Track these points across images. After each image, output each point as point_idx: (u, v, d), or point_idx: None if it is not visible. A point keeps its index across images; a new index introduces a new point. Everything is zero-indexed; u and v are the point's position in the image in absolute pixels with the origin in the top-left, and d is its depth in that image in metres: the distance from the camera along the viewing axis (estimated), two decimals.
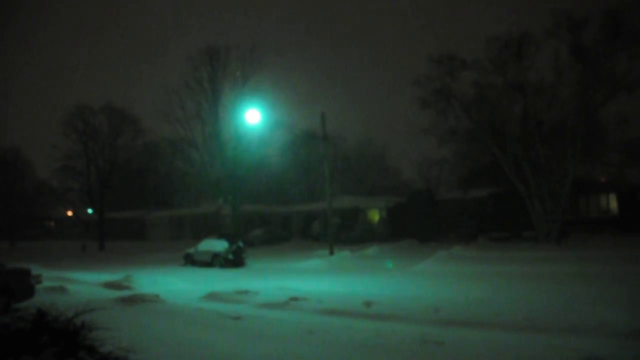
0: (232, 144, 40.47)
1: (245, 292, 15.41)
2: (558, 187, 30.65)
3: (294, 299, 13.88)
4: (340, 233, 39.14)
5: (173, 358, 7.67)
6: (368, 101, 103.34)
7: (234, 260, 28.05)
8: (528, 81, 31.41)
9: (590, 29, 29.54)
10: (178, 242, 46.29)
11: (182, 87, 40.10)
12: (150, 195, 58.86)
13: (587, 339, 8.83)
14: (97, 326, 5.34)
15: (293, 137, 52.30)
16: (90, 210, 52.42)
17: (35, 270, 20.30)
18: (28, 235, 58.26)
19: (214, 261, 28.45)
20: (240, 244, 29.18)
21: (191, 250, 30.36)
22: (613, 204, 34.44)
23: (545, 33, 29.43)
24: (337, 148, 59.82)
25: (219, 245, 29.01)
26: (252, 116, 34.11)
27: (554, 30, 29.14)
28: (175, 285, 19.37)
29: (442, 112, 33.21)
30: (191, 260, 29.78)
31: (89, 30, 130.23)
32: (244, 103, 38.00)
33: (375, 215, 44.16)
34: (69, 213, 63.11)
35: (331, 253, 29.66)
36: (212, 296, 15.31)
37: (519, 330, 9.78)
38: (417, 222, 37.41)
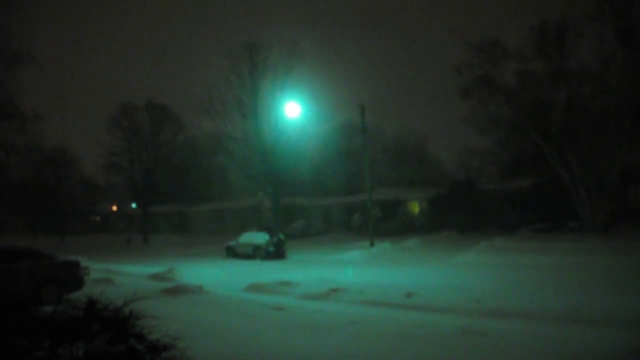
0: (272, 137, 40.68)
1: (287, 283, 15.55)
2: (604, 176, 29.75)
3: (335, 290, 13.94)
4: (380, 225, 39.01)
5: (217, 346, 7.82)
6: (408, 91, 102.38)
7: (275, 253, 28.30)
8: (571, 68, 30.55)
9: (635, 12, 28.49)
10: (219, 235, 46.93)
11: (223, 81, 40.54)
12: (192, 189, 59.79)
13: (638, 332, 8.58)
14: (145, 315, 5.50)
15: (332, 129, 52.24)
16: (134, 205, 53.68)
17: (83, 263, 21.04)
18: (75, 230, 60.02)
19: (255, 253, 28.79)
20: (281, 236, 29.42)
21: (233, 243, 30.81)
22: None
23: (589, 17, 28.51)
24: (376, 139, 59.48)
25: (260, 237, 29.35)
26: (292, 109, 34.20)
27: (598, 15, 28.21)
28: (218, 276, 19.69)
29: (483, 100, 32.64)
30: (233, 253, 30.24)
31: (130, 29, 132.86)
32: (284, 96, 38.07)
33: (415, 207, 43.85)
34: (114, 208, 64.75)
35: (371, 245, 29.59)
36: (253, 287, 15.51)
37: (565, 322, 9.56)
38: (457, 213, 36.92)
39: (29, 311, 5.48)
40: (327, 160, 56.63)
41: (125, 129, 49.54)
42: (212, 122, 40.80)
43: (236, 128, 41.27)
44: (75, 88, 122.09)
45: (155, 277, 19.37)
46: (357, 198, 45.58)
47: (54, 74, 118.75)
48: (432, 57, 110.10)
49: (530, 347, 7.91)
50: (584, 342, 8.10)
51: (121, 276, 19.86)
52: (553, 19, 30.42)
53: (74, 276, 14.18)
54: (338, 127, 53.64)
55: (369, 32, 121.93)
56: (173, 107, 51.14)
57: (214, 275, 20.05)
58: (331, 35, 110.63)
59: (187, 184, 59.05)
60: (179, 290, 13.25)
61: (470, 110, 33.19)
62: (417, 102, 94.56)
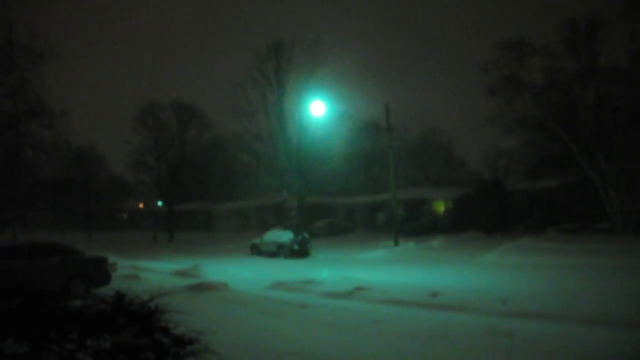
0: (296, 136, 40.77)
1: (310, 281, 15.58)
2: (635, 175, 29.12)
3: (359, 288, 13.92)
4: (404, 224, 38.80)
5: (241, 342, 7.87)
6: (434, 91, 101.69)
7: (299, 251, 28.35)
8: (601, 66, 29.98)
9: None
10: (244, 233, 47.26)
11: (248, 80, 40.70)
12: (217, 187, 60.28)
13: None
14: (170, 310, 5.57)
15: (357, 128, 52.08)
16: (160, 203, 54.25)
17: (110, 259, 21.38)
18: (103, 227, 60.99)
19: (280, 251, 28.88)
20: (305, 234, 29.48)
21: (257, 241, 30.95)
22: None
23: (618, 14, 27.94)
24: (401, 139, 59.15)
25: (284, 236, 29.43)
26: (317, 108, 34.23)
27: (627, 12, 27.62)
28: (242, 274, 19.82)
29: (509, 100, 32.25)
30: (257, 251, 30.37)
31: (155, 28, 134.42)
32: (308, 95, 38.07)
33: (440, 207, 43.51)
34: (141, 205, 65.57)
35: (396, 244, 29.44)
36: (277, 285, 15.57)
37: (593, 324, 9.39)
38: (483, 214, 36.48)
39: (59, 304, 5.59)
40: (352, 159, 56.46)
41: (151, 128, 50.12)
42: (238, 120, 41.05)
43: (261, 126, 41.45)
44: (103, 87, 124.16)
45: (181, 273, 19.58)
46: (381, 197, 45.41)
47: (82, 73, 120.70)
48: (458, 55, 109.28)
49: (557, 349, 7.79)
50: (612, 345, 7.96)
51: (147, 272, 20.13)
52: (583, 14, 29.92)
53: (101, 272, 14.48)
54: (363, 126, 53.45)
55: (394, 31, 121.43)
56: (199, 106, 51.72)
57: (238, 272, 20.19)
58: (356, 35, 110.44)
59: (212, 183, 59.54)
60: (203, 287, 13.37)
61: (497, 110, 32.85)
62: (443, 101, 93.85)
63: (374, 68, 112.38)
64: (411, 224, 40.01)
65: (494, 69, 31.65)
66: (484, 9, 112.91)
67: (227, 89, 57.91)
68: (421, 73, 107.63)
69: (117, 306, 5.43)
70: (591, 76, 30.30)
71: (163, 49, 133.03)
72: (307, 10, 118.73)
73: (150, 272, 20.37)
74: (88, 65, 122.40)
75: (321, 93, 37.25)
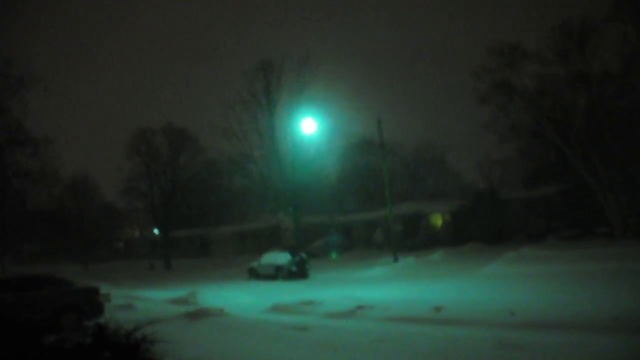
0: (289, 155, 40.45)
1: (310, 302, 15.14)
2: (633, 177, 28.91)
3: (360, 307, 13.52)
4: (403, 240, 38.38)
5: None
6: (426, 104, 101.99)
7: (297, 272, 27.89)
8: (593, 70, 29.92)
9: None
10: (242, 257, 46.64)
11: (238, 101, 40.41)
12: (213, 211, 59.82)
13: None
14: (159, 339, 5.18)
15: (351, 145, 51.93)
16: (156, 231, 53.63)
17: (105, 289, 20.83)
18: (99, 257, 60.24)
19: (278, 274, 28.39)
20: (303, 255, 29.04)
21: (254, 264, 30.48)
22: None
23: (608, 17, 27.95)
24: (395, 154, 59.08)
25: (281, 257, 29.01)
26: (308, 125, 33.97)
27: (618, 14, 27.64)
28: (240, 299, 19.35)
29: (502, 107, 32.12)
30: (255, 274, 29.88)
31: (144, 54, 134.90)
32: (300, 113, 37.80)
33: (438, 220, 43.15)
34: (136, 234, 64.93)
35: (395, 260, 29.04)
36: (276, 308, 15.15)
37: (605, 332, 9.00)
38: (481, 225, 36.17)
39: (36, 340, 5.21)
40: (347, 176, 56.29)
41: (143, 154, 49.67)
42: (229, 142, 40.73)
43: (253, 147, 41.14)
44: (92, 115, 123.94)
45: (177, 301, 19.09)
46: (378, 214, 45.01)
47: (70, 102, 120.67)
48: (449, 67, 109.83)
49: (573, 359, 7.39)
50: (628, 351, 7.58)
51: (143, 302, 19.61)
52: (574, 19, 29.94)
53: (93, 303, 14.00)
54: (357, 143, 53.34)
55: (385, 45, 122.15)
56: (190, 130, 51.38)
57: (236, 297, 19.71)
58: (347, 51, 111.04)
59: (208, 207, 59.08)
60: (199, 314, 12.92)
61: (490, 117, 32.71)
62: (435, 114, 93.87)
63: (366, 83, 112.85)
64: (410, 239, 39.60)
65: (485, 75, 31.57)
66: (475, 15, 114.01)
67: (218, 111, 57.54)
68: (414, 86, 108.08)
69: (98, 338, 5.05)
70: (583, 81, 30.25)
71: (152, 73, 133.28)
72: (297, 29, 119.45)
73: (146, 302, 19.85)
74: (78, 94, 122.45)
75: (313, 111, 37.01)
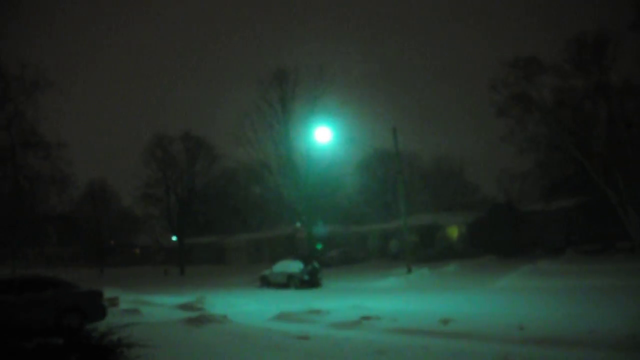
0: (304, 164, 40.27)
1: (317, 311, 14.84)
2: None
3: (366, 317, 13.19)
4: (418, 251, 37.93)
5: None
6: (445, 117, 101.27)
7: (309, 281, 27.61)
8: (612, 81, 29.35)
9: None
10: (256, 265, 46.50)
11: (254, 110, 40.51)
12: (229, 219, 59.91)
13: None
14: (136, 343, 4.97)
15: (367, 155, 51.68)
16: (174, 238, 53.81)
17: (115, 293, 20.84)
18: (115, 262, 60.63)
19: (290, 282, 28.13)
20: (316, 264, 28.73)
21: (267, 272, 30.26)
22: None
23: (630, 25, 27.36)
24: (413, 165, 58.69)
25: (294, 266, 28.73)
26: (323, 134, 33.72)
27: (638, 23, 27.04)
28: (248, 306, 19.12)
29: (520, 119, 31.65)
30: (267, 282, 29.66)
31: (162, 63, 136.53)
32: (315, 122, 37.63)
33: (454, 232, 42.58)
34: (153, 240, 65.23)
35: (409, 271, 28.62)
36: (282, 316, 14.88)
37: (620, 350, 8.61)
38: (498, 237, 35.58)
39: (14, 342, 5.02)
40: (363, 187, 55.97)
41: (160, 161, 50.06)
42: (245, 151, 40.71)
43: (269, 156, 41.09)
44: (110, 122, 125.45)
45: (184, 307, 18.92)
46: (394, 224, 44.60)
47: (88, 109, 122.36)
48: (467, 79, 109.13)
49: None
50: None
51: (150, 306, 19.49)
52: (591, 30, 29.44)
53: (96, 306, 13.94)
54: (373, 154, 53.05)
55: (401, 56, 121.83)
56: (208, 138, 51.61)
57: (243, 304, 19.49)
58: (363, 60, 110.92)
59: (224, 215, 59.19)
60: (201, 320, 12.69)
61: (508, 130, 32.22)
62: (454, 127, 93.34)
63: (383, 95, 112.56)
64: (425, 250, 39.12)
65: (502, 87, 31.14)
66: (492, 29, 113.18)
67: (234, 119, 57.92)
68: (432, 99, 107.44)
69: (70, 341, 4.87)
70: (602, 92, 29.66)
71: (169, 81, 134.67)
72: (314, 37, 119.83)
73: (154, 306, 19.71)
74: (97, 101, 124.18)
75: (328, 120, 36.80)
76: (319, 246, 39.64)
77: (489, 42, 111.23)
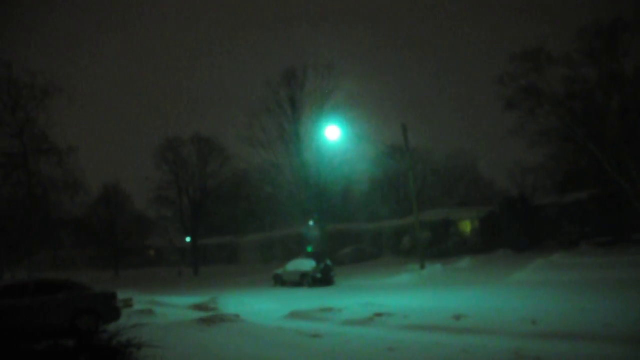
0: (315, 162, 40.29)
1: (329, 309, 14.84)
2: None
3: (379, 314, 13.18)
4: (431, 246, 37.78)
5: None
6: (457, 111, 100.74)
7: (322, 279, 27.65)
8: (624, 71, 28.96)
9: None
10: (269, 264, 46.63)
11: (263, 110, 40.61)
12: (241, 219, 60.07)
13: None
14: (146, 343, 5.03)
15: (379, 152, 51.58)
16: (188, 239, 54.17)
17: (129, 294, 21.03)
18: (130, 264, 61.10)
19: (303, 280, 28.21)
20: (328, 262, 28.75)
21: (280, 271, 30.36)
22: None
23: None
24: (425, 161, 58.41)
25: (306, 264, 28.77)
26: (332, 132, 33.69)
27: None
28: (261, 305, 19.17)
29: (530, 111, 31.35)
30: (280, 281, 29.76)
31: (172, 66, 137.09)
32: (325, 121, 37.64)
33: (467, 227, 42.35)
34: (166, 241, 65.65)
35: (422, 267, 28.54)
36: (294, 314, 14.91)
37: (634, 343, 8.50)
38: (511, 231, 35.29)
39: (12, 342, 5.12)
40: (376, 183, 55.87)
41: (171, 163, 50.41)
42: (255, 151, 40.86)
43: (279, 155, 41.22)
44: (122, 125, 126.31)
45: (197, 307, 19.03)
46: (407, 221, 44.43)
47: (99, 113, 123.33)
48: (475, 73, 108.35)
49: None
50: None
51: (164, 307, 19.62)
52: (603, 19, 29.07)
53: (110, 307, 14.06)
54: (385, 150, 52.94)
55: (410, 51, 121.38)
56: (218, 139, 51.86)
57: (256, 303, 19.54)
58: (372, 58, 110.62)
59: (236, 215, 59.35)
60: (214, 319, 12.75)
61: (518, 123, 31.96)
62: (466, 121, 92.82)
63: (393, 91, 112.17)
64: (438, 246, 38.95)
65: (510, 80, 30.86)
66: (499, 21, 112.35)
67: (244, 120, 58.12)
68: (442, 94, 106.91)
69: (80, 342, 4.96)
70: (614, 82, 29.31)
71: (178, 83, 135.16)
72: (322, 36, 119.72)
73: (167, 307, 19.84)
74: (107, 105, 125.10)
75: (338, 118, 36.79)
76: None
77: (496, 36, 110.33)
